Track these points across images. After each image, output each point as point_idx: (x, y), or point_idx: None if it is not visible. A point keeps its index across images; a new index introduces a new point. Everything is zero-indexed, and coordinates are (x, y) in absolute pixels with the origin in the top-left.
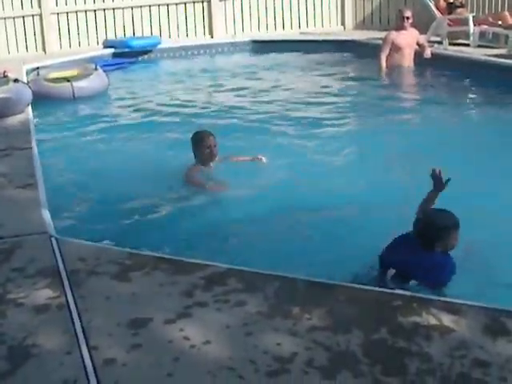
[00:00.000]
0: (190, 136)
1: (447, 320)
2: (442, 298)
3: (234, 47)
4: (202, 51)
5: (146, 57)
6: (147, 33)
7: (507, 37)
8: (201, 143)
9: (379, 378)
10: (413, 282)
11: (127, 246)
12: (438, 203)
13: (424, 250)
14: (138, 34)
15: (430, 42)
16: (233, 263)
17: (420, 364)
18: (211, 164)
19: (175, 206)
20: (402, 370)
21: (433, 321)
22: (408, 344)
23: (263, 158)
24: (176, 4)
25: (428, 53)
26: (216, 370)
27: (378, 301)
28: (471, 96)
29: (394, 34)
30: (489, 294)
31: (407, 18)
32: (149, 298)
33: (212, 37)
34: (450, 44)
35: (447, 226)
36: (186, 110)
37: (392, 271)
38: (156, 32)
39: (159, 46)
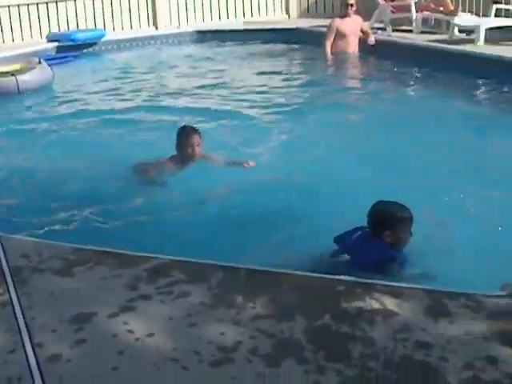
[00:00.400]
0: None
1: (390, 304)
2: (385, 282)
3: (179, 38)
4: (146, 43)
5: (90, 50)
6: (91, 26)
7: (448, 23)
8: (184, 140)
9: (323, 363)
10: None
11: (71, 241)
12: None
13: (373, 237)
14: (82, 26)
15: (373, 28)
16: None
17: (363, 348)
18: (190, 163)
19: (121, 200)
20: (345, 355)
21: (376, 305)
22: (351, 329)
23: (251, 163)
24: None
25: (372, 39)
26: (160, 361)
27: (321, 287)
28: (414, 81)
29: (338, 22)
30: (430, 276)
31: (351, 5)
32: (92, 292)
33: (156, 28)
34: (394, 30)
35: (398, 215)
36: (131, 103)
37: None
38: (100, 25)
39: (103, 39)
